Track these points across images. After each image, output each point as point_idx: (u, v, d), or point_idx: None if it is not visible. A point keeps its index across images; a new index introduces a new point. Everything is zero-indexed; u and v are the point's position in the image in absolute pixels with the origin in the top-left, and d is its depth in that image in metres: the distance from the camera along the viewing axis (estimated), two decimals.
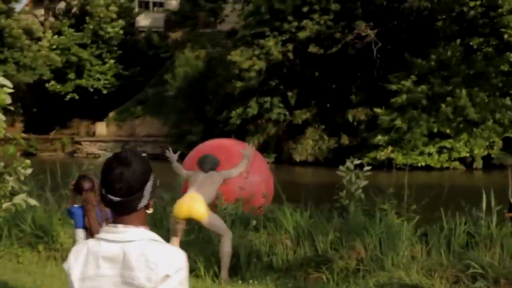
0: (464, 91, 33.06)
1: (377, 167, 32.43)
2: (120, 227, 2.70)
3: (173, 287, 2.62)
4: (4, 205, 8.18)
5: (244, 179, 11.89)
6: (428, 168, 32.98)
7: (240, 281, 9.13)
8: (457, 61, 34.50)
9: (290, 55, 37.01)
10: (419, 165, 33.30)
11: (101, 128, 51.03)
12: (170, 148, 10.27)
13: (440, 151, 34.24)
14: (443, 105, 33.37)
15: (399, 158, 33.81)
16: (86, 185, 6.72)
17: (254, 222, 10.49)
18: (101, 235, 2.74)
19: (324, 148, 37.85)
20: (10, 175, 8.35)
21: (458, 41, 34.51)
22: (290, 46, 37.01)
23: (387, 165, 30.47)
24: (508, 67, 33.64)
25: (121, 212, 2.69)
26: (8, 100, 7.93)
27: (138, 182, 2.68)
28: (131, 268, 2.63)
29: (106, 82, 52.63)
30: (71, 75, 51.42)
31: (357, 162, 10.65)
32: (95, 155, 48.51)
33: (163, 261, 2.62)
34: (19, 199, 8.48)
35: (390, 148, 34.15)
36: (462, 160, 34.21)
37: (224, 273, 9.28)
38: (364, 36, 34.24)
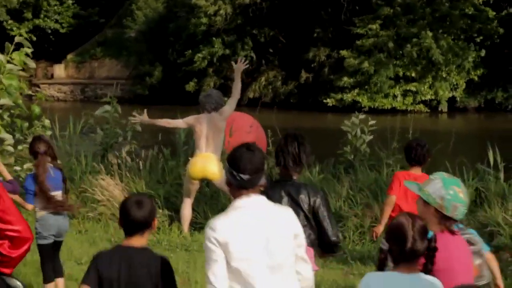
0: (429, 33, 33.19)
1: (341, 110, 32.85)
2: None
3: None
4: (25, 165, 8.19)
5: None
6: (393, 111, 33.12)
7: None
8: (422, 3, 34.57)
9: None
10: (385, 108, 33.56)
11: (59, 70, 49.99)
12: (133, 113, 9.78)
13: (405, 94, 34.53)
14: (408, 45, 33.50)
15: (365, 101, 34.09)
16: (42, 147, 6.27)
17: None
18: None
19: (285, 89, 37.93)
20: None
21: None
22: None
23: (351, 107, 30.74)
24: (472, 10, 33.80)
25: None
26: (32, 64, 7.83)
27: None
28: None
29: (64, 22, 51.42)
30: (28, 15, 50.06)
31: (362, 116, 10.66)
32: (54, 98, 47.80)
33: None
34: None
35: (356, 90, 34.32)
36: (426, 102, 34.56)
37: None
38: None
